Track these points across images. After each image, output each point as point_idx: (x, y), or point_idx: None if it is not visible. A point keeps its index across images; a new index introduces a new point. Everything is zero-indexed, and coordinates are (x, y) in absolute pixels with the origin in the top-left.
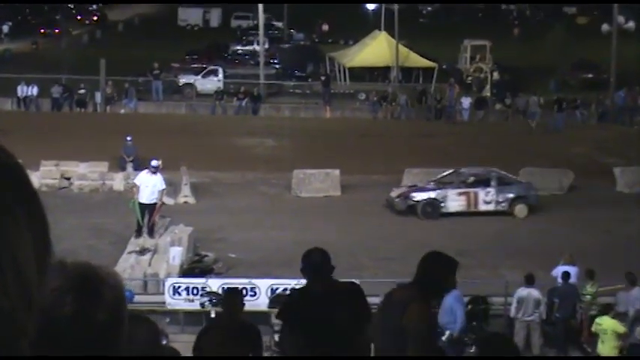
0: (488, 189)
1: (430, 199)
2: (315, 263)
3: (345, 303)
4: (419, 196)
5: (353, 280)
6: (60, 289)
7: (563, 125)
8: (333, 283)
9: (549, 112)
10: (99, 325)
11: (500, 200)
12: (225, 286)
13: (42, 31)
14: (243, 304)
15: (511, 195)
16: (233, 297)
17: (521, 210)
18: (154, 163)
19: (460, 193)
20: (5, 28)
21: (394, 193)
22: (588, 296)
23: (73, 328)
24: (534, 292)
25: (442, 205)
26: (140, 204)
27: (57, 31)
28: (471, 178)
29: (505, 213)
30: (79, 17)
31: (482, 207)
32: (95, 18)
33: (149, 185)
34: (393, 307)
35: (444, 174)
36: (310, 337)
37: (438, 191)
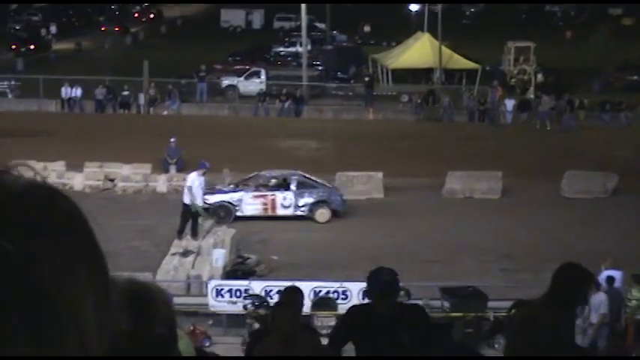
0: (287, 193)
1: (224, 202)
2: (385, 284)
3: (411, 327)
4: (212, 199)
5: (417, 303)
6: (115, 307)
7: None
8: (400, 305)
9: (596, 113)
10: (158, 338)
11: (300, 205)
12: (269, 288)
13: (103, 29)
14: (302, 305)
15: (312, 199)
16: (293, 295)
17: (322, 215)
18: (207, 165)
19: (256, 197)
20: (53, 29)
21: None
22: (634, 301)
23: (133, 344)
24: None
25: (237, 208)
26: (189, 205)
27: (102, 28)
28: (272, 181)
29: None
30: (136, 15)
31: (281, 211)
32: (152, 15)
33: (199, 187)
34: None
35: (248, 176)
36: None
37: (233, 194)
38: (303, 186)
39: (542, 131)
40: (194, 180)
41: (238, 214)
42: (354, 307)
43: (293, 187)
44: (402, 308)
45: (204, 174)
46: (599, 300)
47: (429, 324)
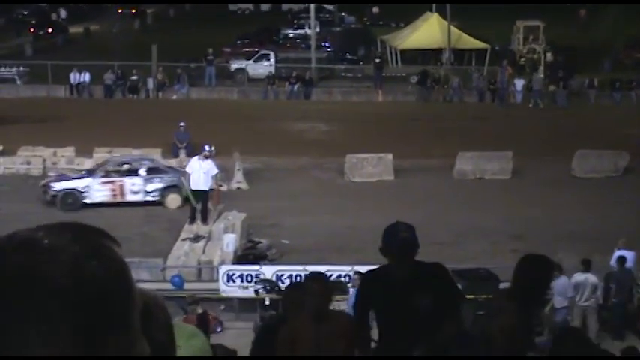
0: (135, 179)
1: (70, 189)
2: (401, 241)
3: (432, 288)
4: (59, 186)
5: (437, 262)
6: None
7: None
8: (418, 264)
9: (606, 92)
10: (159, 345)
11: (150, 190)
12: (280, 273)
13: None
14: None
15: (161, 185)
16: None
17: (172, 200)
18: (207, 148)
19: (104, 183)
20: (63, 14)
21: (43, 182)
22: None
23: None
24: (591, 277)
25: (85, 195)
26: (194, 191)
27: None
28: (124, 167)
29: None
30: None
31: (130, 197)
32: None
33: (200, 172)
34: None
35: (99, 163)
36: (393, 326)
37: (80, 181)
38: (152, 172)
39: (546, 110)
40: (193, 165)
41: (86, 201)
42: (369, 271)
43: (142, 172)
44: (419, 268)
45: (206, 158)
46: (562, 284)
47: (454, 285)
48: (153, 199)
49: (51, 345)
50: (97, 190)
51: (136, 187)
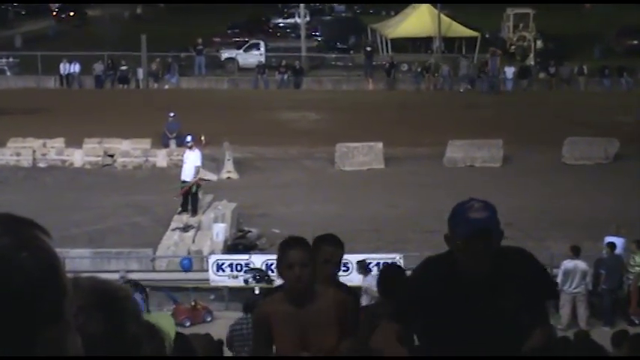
0: None
1: None
2: (477, 223)
3: (517, 285)
4: None
5: (519, 247)
6: (86, 308)
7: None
8: (498, 254)
9: (596, 79)
10: (131, 336)
11: None
12: (270, 262)
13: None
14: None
15: None
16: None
17: None
18: (188, 138)
19: None
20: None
21: None
22: (637, 267)
23: (107, 344)
24: (581, 264)
25: None
26: (182, 181)
27: None
28: None
29: None
30: None
31: None
32: None
33: (187, 162)
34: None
35: None
36: (459, 340)
37: None
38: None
39: (535, 96)
40: (187, 156)
41: None
42: (427, 260)
43: None
44: (499, 260)
45: (191, 148)
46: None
47: (547, 275)
48: None
49: None
50: None
51: None
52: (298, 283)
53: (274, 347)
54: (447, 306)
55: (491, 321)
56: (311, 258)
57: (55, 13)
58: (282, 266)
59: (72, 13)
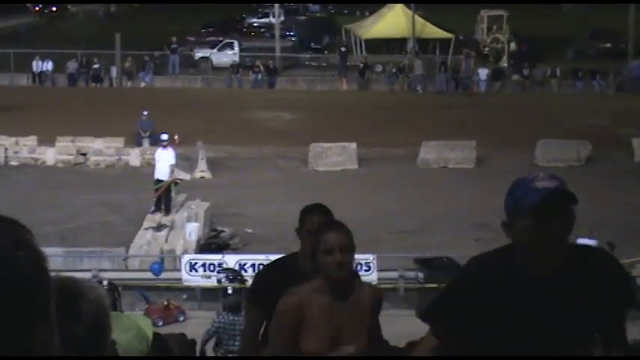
0: None
1: None
2: (546, 194)
3: (594, 287)
4: None
5: (589, 243)
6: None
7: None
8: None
9: (569, 81)
10: (77, 339)
11: None
12: (243, 262)
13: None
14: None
15: None
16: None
17: None
18: (162, 137)
19: None
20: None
21: None
22: None
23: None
24: None
25: None
26: (158, 180)
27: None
28: None
29: None
30: None
31: None
32: None
33: (161, 160)
34: None
35: None
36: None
37: None
38: None
39: (508, 98)
40: (159, 155)
41: None
42: (475, 260)
43: None
44: (574, 256)
45: (166, 146)
46: None
47: (626, 277)
48: None
49: None
50: None
51: None
52: (339, 271)
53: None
54: (503, 315)
55: (558, 332)
56: (353, 245)
57: (37, 9)
58: (319, 252)
59: (54, 9)
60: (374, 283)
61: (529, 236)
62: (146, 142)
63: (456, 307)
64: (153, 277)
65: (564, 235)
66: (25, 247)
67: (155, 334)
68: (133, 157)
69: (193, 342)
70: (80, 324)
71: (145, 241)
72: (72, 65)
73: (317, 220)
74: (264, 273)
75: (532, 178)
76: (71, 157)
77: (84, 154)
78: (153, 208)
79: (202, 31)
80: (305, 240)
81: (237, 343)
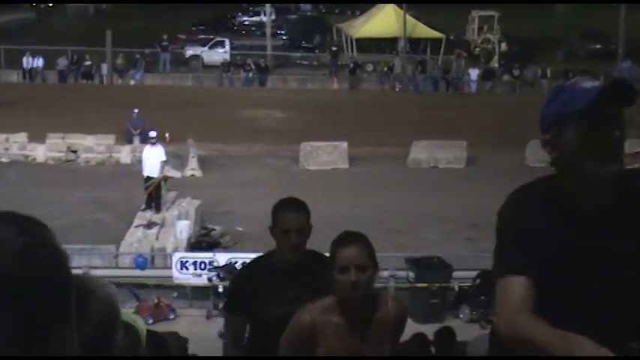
0: None
1: None
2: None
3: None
4: None
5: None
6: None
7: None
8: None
9: (559, 82)
10: (85, 338)
11: None
12: (234, 260)
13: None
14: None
15: None
16: None
17: None
18: (151, 134)
19: None
20: None
21: None
22: None
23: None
24: None
25: None
26: (148, 177)
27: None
28: None
29: None
30: None
31: None
32: None
33: (150, 157)
34: None
35: None
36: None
37: None
38: None
39: (499, 99)
40: (147, 152)
41: None
42: (518, 192)
43: None
44: (627, 183)
45: (154, 143)
46: None
47: None
48: None
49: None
50: None
51: None
52: (354, 292)
53: None
54: (550, 250)
55: (612, 269)
56: (371, 258)
57: (34, 4)
58: (335, 269)
59: (50, 5)
60: None
61: (581, 146)
62: (137, 140)
63: (530, 243)
64: (143, 274)
65: (622, 143)
66: (47, 245)
67: (149, 332)
68: (124, 155)
69: (186, 340)
70: (88, 324)
71: (136, 239)
72: (62, 62)
73: (290, 218)
74: (239, 278)
75: (575, 82)
76: (62, 154)
77: (74, 151)
78: (144, 205)
79: (193, 29)
80: (280, 238)
81: None
